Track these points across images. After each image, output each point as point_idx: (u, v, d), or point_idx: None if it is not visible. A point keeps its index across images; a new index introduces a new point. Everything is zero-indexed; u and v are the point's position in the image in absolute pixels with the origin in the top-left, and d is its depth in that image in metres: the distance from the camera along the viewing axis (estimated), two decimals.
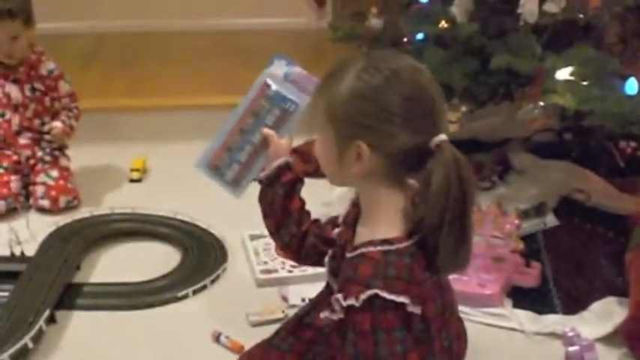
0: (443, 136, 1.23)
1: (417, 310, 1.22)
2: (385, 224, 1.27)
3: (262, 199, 1.52)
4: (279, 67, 1.56)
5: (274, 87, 1.53)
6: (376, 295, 1.19)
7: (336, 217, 1.49)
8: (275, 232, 1.54)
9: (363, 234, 1.30)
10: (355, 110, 1.24)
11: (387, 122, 1.22)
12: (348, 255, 1.28)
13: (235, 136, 1.52)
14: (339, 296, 1.23)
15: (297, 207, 1.52)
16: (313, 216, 1.55)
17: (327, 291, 1.46)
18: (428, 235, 1.23)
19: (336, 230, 1.45)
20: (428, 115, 1.24)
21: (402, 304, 1.20)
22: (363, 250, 1.24)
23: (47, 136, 2.52)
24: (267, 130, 1.51)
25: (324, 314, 1.32)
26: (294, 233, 1.52)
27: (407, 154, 1.23)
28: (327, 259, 1.45)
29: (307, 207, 1.54)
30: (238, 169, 1.52)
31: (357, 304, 1.20)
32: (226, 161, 1.52)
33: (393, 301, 1.19)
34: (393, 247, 1.23)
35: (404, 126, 1.22)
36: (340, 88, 1.25)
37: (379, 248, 1.23)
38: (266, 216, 1.54)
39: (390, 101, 1.22)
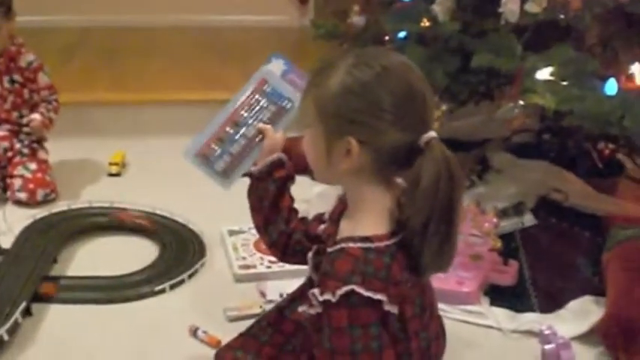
0: (433, 134, 1.23)
1: (393, 309, 1.22)
2: (368, 221, 1.26)
3: (252, 193, 1.52)
4: (277, 66, 1.57)
5: (272, 84, 1.53)
6: (353, 291, 1.19)
7: (322, 214, 1.49)
8: (263, 228, 1.53)
9: (345, 229, 1.30)
10: (345, 106, 1.23)
11: (376, 118, 1.22)
12: (329, 249, 1.28)
13: (228, 128, 1.51)
14: (316, 291, 1.23)
15: (286, 205, 1.52)
16: None
17: (309, 285, 1.45)
18: (413, 234, 1.22)
19: (322, 226, 1.45)
20: (418, 112, 1.24)
21: (379, 302, 1.20)
22: (343, 245, 1.24)
23: (26, 129, 2.51)
24: (263, 125, 1.51)
25: (302, 308, 1.32)
26: (281, 231, 1.51)
27: (396, 150, 1.23)
28: (310, 254, 1.45)
29: None
30: (229, 160, 1.51)
31: (333, 300, 1.20)
32: (217, 152, 1.51)
33: (369, 298, 1.19)
34: (372, 245, 1.22)
35: (394, 123, 1.21)
36: (330, 83, 1.24)
37: (359, 245, 1.23)
38: (254, 211, 1.53)
39: (380, 97, 1.21)
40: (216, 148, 1.51)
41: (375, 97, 1.22)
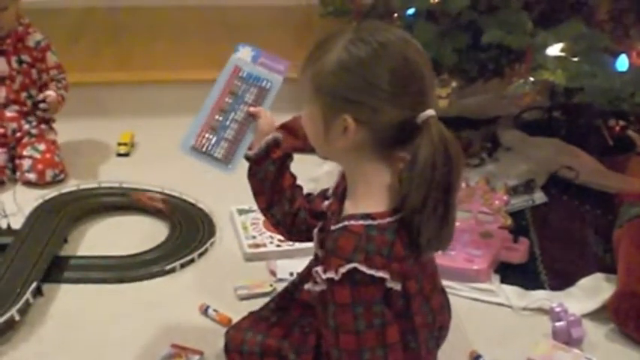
0: (431, 112, 1.21)
1: (397, 286, 1.22)
2: (369, 198, 1.26)
3: (252, 177, 1.51)
4: (245, 53, 1.59)
5: (245, 69, 1.56)
6: (355, 269, 1.18)
7: (326, 190, 1.48)
8: (267, 209, 1.53)
9: (348, 207, 1.29)
10: (341, 83, 1.21)
11: (372, 96, 1.20)
12: (332, 227, 1.27)
13: (217, 116, 1.52)
14: (319, 269, 1.23)
15: (288, 184, 1.52)
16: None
17: (315, 263, 1.45)
18: (412, 212, 1.21)
19: (326, 202, 1.45)
20: (416, 91, 1.21)
21: (382, 279, 1.20)
22: (346, 223, 1.23)
23: (42, 105, 2.49)
24: (253, 108, 1.52)
25: (307, 286, 1.32)
26: (286, 211, 1.51)
27: (394, 129, 1.22)
28: (315, 230, 1.45)
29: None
30: (227, 146, 1.51)
31: (336, 278, 1.19)
32: (213, 141, 1.52)
33: (372, 276, 1.19)
34: (375, 222, 1.22)
35: (390, 101, 1.19)
36: (327, 59, 1.22)
37: (361, 222, 1.22)
38: (257, 194, 1.53)
39: (377, 75, 1.19)
40: (211, 137, 1.52)
41: (371, 74, 1.19)
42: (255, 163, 1.50)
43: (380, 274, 1.19)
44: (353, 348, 1.22)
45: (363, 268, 1.18)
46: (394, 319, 1.24)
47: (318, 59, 1.24)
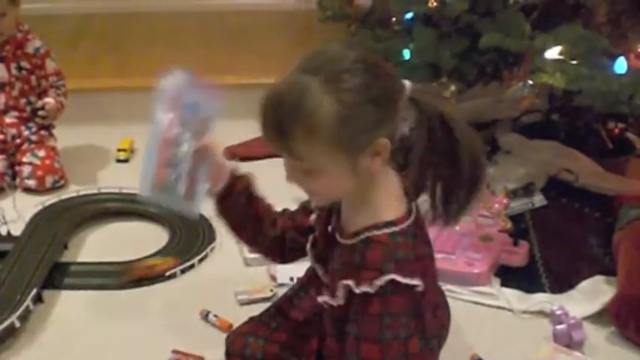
0: (407, 82, 1.23)
1: (422, 287, 1.23)
2: (388, 207, 1.26)
3: (223, 212, 1.46)
4: (176, 79, 1.44)
5: (183, 96, 1.43)
6: (392, 281, 1.19)
7: (306, 202, 1.45)
8: (252, 241, 1.51)
9: (360, 219, 1.26)
10: (359, 119, 1.17)
11: (383, 107, 1.19)
12: (347, 242, 1.27)
13: (168, 151, 1.40)
14: (350, 282, 1.22)
15: (263, 209, 1.48)
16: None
17: (314, 274, 1.45)
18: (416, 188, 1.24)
19: (313, 216, 1.43)
20: (388, 73, 1.23)
21: (414, 287, 1.21)
22: (368, 234, 1.23)
23: (41, 112, 2.49)
24: (200, 142, 1.41)
25: (322, 298, 1.32)
26: (272, 236, 1.48)
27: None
28: (308, 246, 1.44)
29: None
30: (188, 180, 1.40)
31: (371, 291, 1.20)
32: (172, 176, 1.39)
33: (406, 285, 1.20)
34: (397, 228, 1.23)
35: (391, 97, 1.20)
36: (322, 117, 1.15)
37: (385, 231, 1.22)
38: (236, 229, 1.48)
39: (374, 91, 1.18)
40: (169, 171, 1.39)
41: (372, 94, 1.17)
42: (223, 199, 1.44)
43: (414, 281, 1.20)
44: (376, 357, 1.22)
45: (399, 279, 1.19)
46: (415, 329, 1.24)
47: (310, 125, 1.15)
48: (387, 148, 1.20)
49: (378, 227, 1.23)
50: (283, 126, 1.17)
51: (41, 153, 2.49)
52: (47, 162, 2.47)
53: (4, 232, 2.14)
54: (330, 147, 1.17)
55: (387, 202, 1.26)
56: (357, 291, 1.21)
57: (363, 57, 1.20)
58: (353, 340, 1.24)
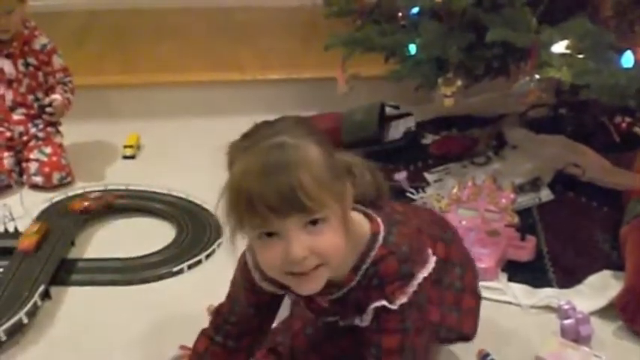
0: None
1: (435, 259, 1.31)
2: (361, 232, 1.25)
3: None
4: None
5: None
6: (422, 281, 1.23)
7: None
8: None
9: (347, 261, 1.24)
10: (335, 161, 1.17)
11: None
12: (347, 287, 1.26)
13: None
14: (384, 303, 1.22)
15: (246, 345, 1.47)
16: None
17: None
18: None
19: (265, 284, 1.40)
20: None
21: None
22: (368, 260, 1.23)
23: (49, 109, 2.50)
24: None
25: (344, 322, 1.35)
26: (265, 331, 1.48)
27: None
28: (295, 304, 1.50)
29: None
30: None
31: (406, 300, 1.22)
32: None
33: (429, 276, 1.25)
34: (382, 233, 1.24)
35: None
36: (314, 157, 1.12)
37: (377, 245, 1.23)
38: None
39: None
40: None
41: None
42: None
43: (431, 265, 1.26)
44: (424, 345, 1.28)
45: (424, 274, 1.23)
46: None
47: (306, 167, 1.11)
48: (351, 192, 1.21)
49: (369, 248, 1.23)
50: (291, 178, 1.09)
51: (48, 150, 2.50)
52: (54, 159, 2.48)
53: (11, 229, 2.15)
54: (328, 193, 1.12)
55: (360, 230, 1.24)
56: (394, 307, 1.22)
57: (296, 120, 1.20)
58: (400, 335, 1.25)
